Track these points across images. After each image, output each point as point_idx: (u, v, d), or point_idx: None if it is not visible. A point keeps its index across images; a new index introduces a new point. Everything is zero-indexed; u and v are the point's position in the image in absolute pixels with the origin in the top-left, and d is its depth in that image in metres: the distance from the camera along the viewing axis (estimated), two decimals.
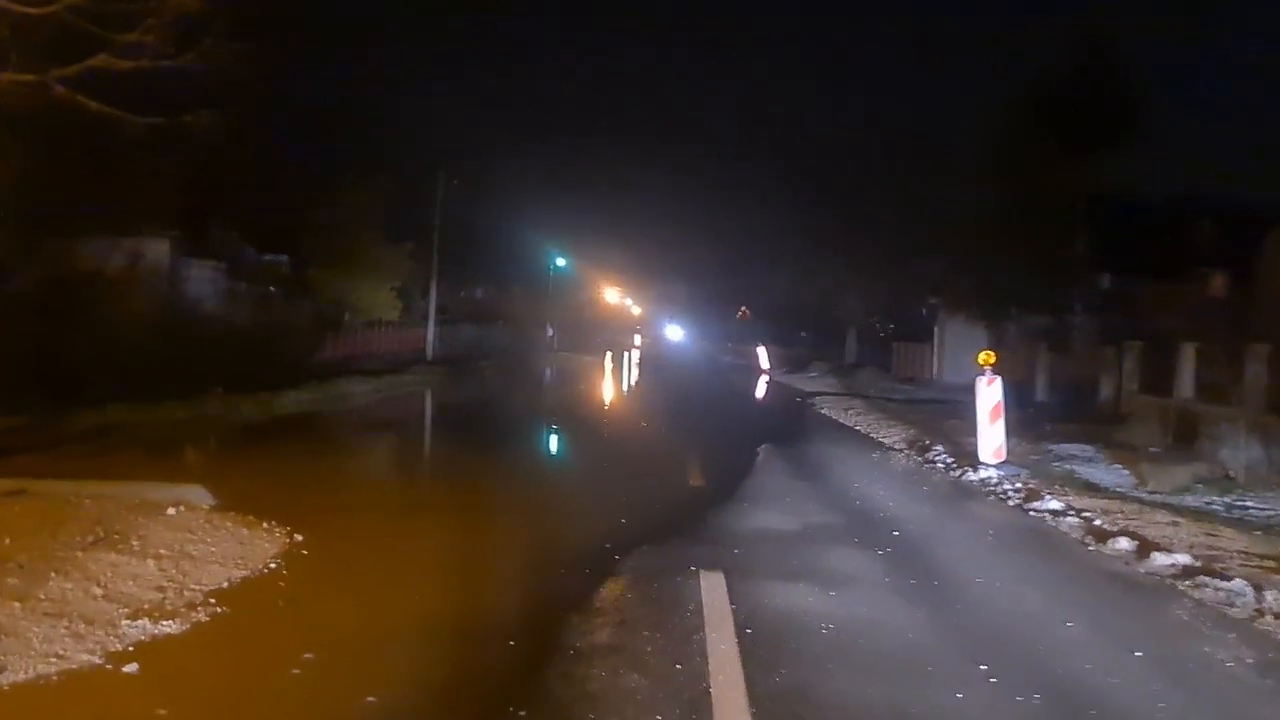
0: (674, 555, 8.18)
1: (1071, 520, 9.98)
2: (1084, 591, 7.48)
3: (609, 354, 57.88)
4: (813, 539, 9.01)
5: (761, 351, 45.31)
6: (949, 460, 14.28)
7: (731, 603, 6.69)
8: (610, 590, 7.08)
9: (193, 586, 6.51)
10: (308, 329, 27.95)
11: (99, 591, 6.15)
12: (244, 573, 6.98)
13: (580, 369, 43.05)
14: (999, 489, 12.01)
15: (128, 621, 5.70)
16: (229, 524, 8.15)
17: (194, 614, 6.00)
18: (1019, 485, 12.09)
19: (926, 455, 15.00)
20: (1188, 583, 7.55)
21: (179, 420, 15.75)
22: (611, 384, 36.43)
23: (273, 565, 7.26)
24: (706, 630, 6.08)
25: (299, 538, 8.09)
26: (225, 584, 6.70)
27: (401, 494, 11.13)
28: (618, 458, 15.19)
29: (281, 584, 6.87)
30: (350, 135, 34.47)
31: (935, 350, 34.94)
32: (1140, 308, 25.36)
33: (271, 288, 32.68)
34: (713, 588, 7.08)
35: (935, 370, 34.62)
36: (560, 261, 61.58)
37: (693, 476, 13.03)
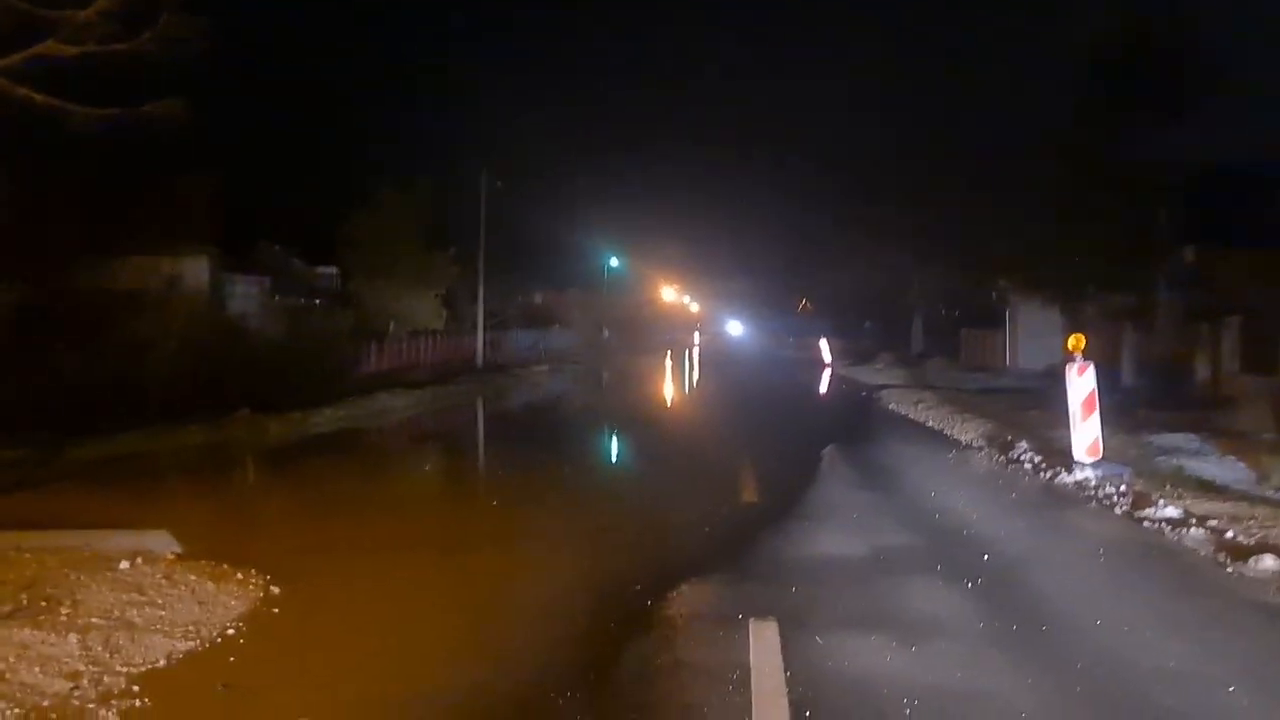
0: (719, 597, 6.82)
1: (1196, 533, 8.33)
2: (1238, 636, 5.89)
3: (668, 353, 56.44)
4: (886, 568, 7.53)
5: (824, 344, 43.55)
6: (1037, 459, 12.63)
7: (786, 668, 5.25)
8: (636, 652, 5.69)
9: (118, 669, 5.24)
10: (349, 342, 26.96)
11: None
12: (190, 645, 5.70)
13: (637, 370, 41.69)
14: (1101, 493, 10.37)
15: None
16: (192, 577, 6.90)
17: (102, 713, 4.70)
18: (1123, 488, 10.44)
19: (1010, 454, 13.37)
20: None
21: (195, 447, 14.68)
22: (667, 385, 35.01)
23: (230, 632, 5.98)
24: (754, 715, 4.65)
25: (275, 590, 6.82)
26: (162, 663, 5.42)
27: (410, 526, 9.78)
28: (666, 472, 13.74)
29: (233, 660, 5.57)
30: (392, 139, 33.57)
31: (1007, 336, 33.09)
32: (1230, 281, 23.34)
33: (316, 300, 31.86)
34: (764, 644, 5.65)
35: (1008, 357, 32.79)
36: (614, 262, 60.37)
37: (748, 489, 11.63)
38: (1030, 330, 30.91)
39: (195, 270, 25.41)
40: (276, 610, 6.48)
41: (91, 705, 4.77)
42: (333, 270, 37.16)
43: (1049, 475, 11.65)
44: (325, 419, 18.67)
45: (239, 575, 7.06)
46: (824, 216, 48.26)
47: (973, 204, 32.19)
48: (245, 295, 28.52)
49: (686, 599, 6.72)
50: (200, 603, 6.42)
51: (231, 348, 21.63)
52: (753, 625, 6.00)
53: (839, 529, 8.94)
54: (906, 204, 37.15)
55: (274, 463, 14.21)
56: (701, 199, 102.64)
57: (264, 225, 33.92)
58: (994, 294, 36.48)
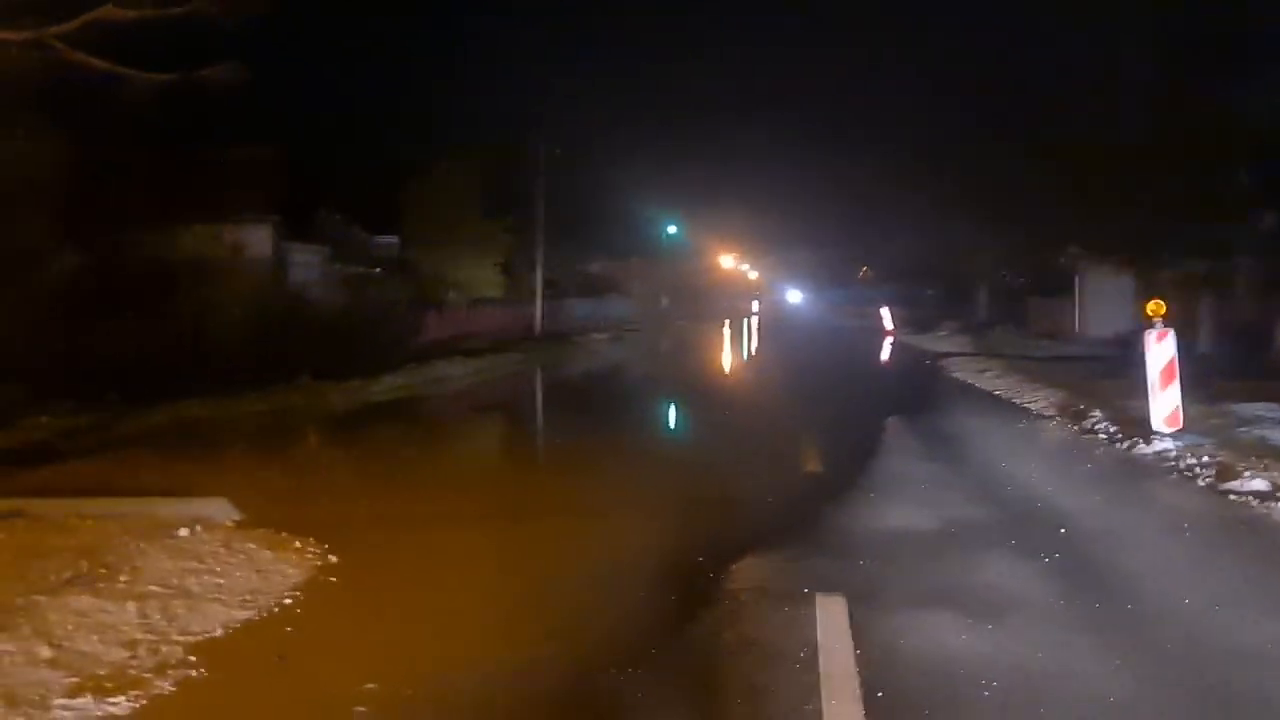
0: (784, 570, 6.61)
1: None
2: None
3: (726, 321, 56.04)
4: (958, 542, 7.26)
5: (885, 312, 42.96)
6: (1112, 429, 12.19)
7: (856, 646, 5.03)
8: (698, 629, 5.51)
9: (175, 638, 5.18)
10: (407, 310, 27.04)
11: (47, 653, 4.86)
12: (248, 614, 5.63)
13: (695, 338, 41.44)
14: (1182, 465, 9.94)
15: (63, 701, 4.38)
16: (251, 545, 6.85)
17: (158, 683, 4.64)
18: (1205, 459, 9.99)
19: (1083, 424, 12.94)
20: None
21: (257, 414, 14.76)
22: (726, 353, 34.71)
23: (288, 601, 5.90)
24: (823, 696, 4.45)
25: (333, 559, 6.75)
26: (220, 632, 5.35)
27: (468, 496, 9.66)
28: (727, 440, 13.52)
29: (290, 630, 5.49)
30: (449, 106, 33.49)
31: (1076, 303, 32.32)
32: None
33: (375, 269, 31.99)
34: (832, 622, 5.43)
35: (1076, 324, 32.03)
36: (672, 229, 59.92)
37: (811, 459, 11.33)
38: (1100, 297, 30.21)
39: (257, 238, 25.47)
40: (334, 579, 6.40)
41: (148, 675, 4.70)
42: (392, 239, 37.20)
43: (1126, 446, 11.21)
44: (384, 387, 18.73)
45: (297, 544, 7.00)
46: (886, 183, 47.40)
47: (1040, 165, 31.36)
48: (306, 264, 28.54)
49: (750, 573, 6.52)
50: (258, 571, 6.37)
51: (293, 316, 21.80)
52: (820, 601, 5.78)
53: (907, 502, 8.66)
54: (971, 168, 36.32)
55: (333, 431, 14.24)
56: (762, 166, 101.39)
57: (325, 193, 33.96)
58: (1062, 260, 35.62)
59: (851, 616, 5.50)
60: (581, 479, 10.67)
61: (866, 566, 6.62)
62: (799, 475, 10.48)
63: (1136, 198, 23.80)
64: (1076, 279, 32.36)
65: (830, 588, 6.03)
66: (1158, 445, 10.82)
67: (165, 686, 4.62)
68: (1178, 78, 22.06)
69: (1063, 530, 7.48)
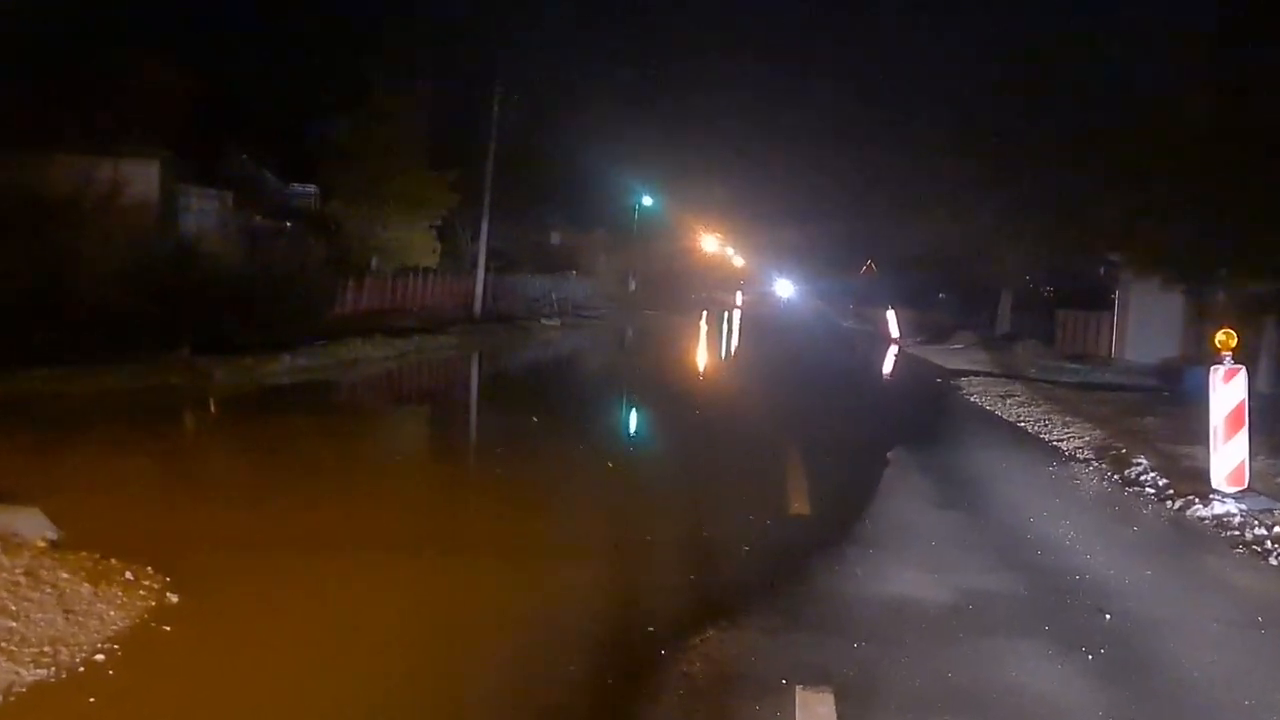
0: (756, 650, 6.08)
1: None
2: None
3: (704, 314, 55.61)
4: (976, 623, 6.73)
5: (891, 316, 42.64)
6: (1161, 482, 11.71)
7: None
8: None
9: None
10: (322, 275, 26.34)
11: None
12: (40, 675, 4.96)
13: (666, 332, 40.92)
14: (1248, 534, 9.46)
15: None
16: (65, 575, 6.18)
17: None
18: (1278, 529, 9.52)
19: (1125, 472, 12.45)
20: None
21: (119, 392, 14.10)
22: (701, 354, 34.20)
23: (100, 658, 5.25)
24: None
25: (172, 599, 6.13)
26: None
27: (367, 517, 9.03)
28: (695, 466, 12.87)
29: (93, 701, 4.81)
30: (389, 31, 32.57)
31: (1115, 321, 32.05)
32: None
33: (288, 223, 31.23)
34: None
35: (1114, 346, 31.80)
36: (647, 201, 59.27)
37: (797, 499, 10.76)
38: (1144, 316, 29.92)
39: (143, 176, 24.68)
40: (169, 628, 5.78)
41: None
42: (310, 189, 36.45)
43: (1178, 505, 10.72)
44: (284, 368, 18.21)
45: (128, 574, 6.40)
46: (897, 162, 47.19)
47: (1078, 155, 31.14)
48: (202, 211, 27.90)
49: (714, 651, 5.97)
50: (68, 612, 5.70)
51: (179, 273, 21.01)
52: (801, 698, 5.26)
53: (913, 562, 8.13)
54: (998, 152, 36.13)
55: (210, 420, 13.65)
56: (753, 133, 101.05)
57: (231, 128, 33.18)
58: (1102, 270, 35.45)
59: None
60: (508, 505, 10.06)
61: (862, 651, 6.09)
62: (781, 519, 9.88)
63: (1197, 199, 23.46)
64: (1116, 293, 32.11)
65: (815, 678, 5.53)
66: (1218, 508, 10.33)
67: None
68: (1256, 60, 21.74)
69: (1106, 615, 7.00)
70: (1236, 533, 9.60)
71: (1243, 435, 10.89)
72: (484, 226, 33.54)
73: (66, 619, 5.62)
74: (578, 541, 8.71)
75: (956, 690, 5.52)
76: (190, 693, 5.10)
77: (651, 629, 6.29)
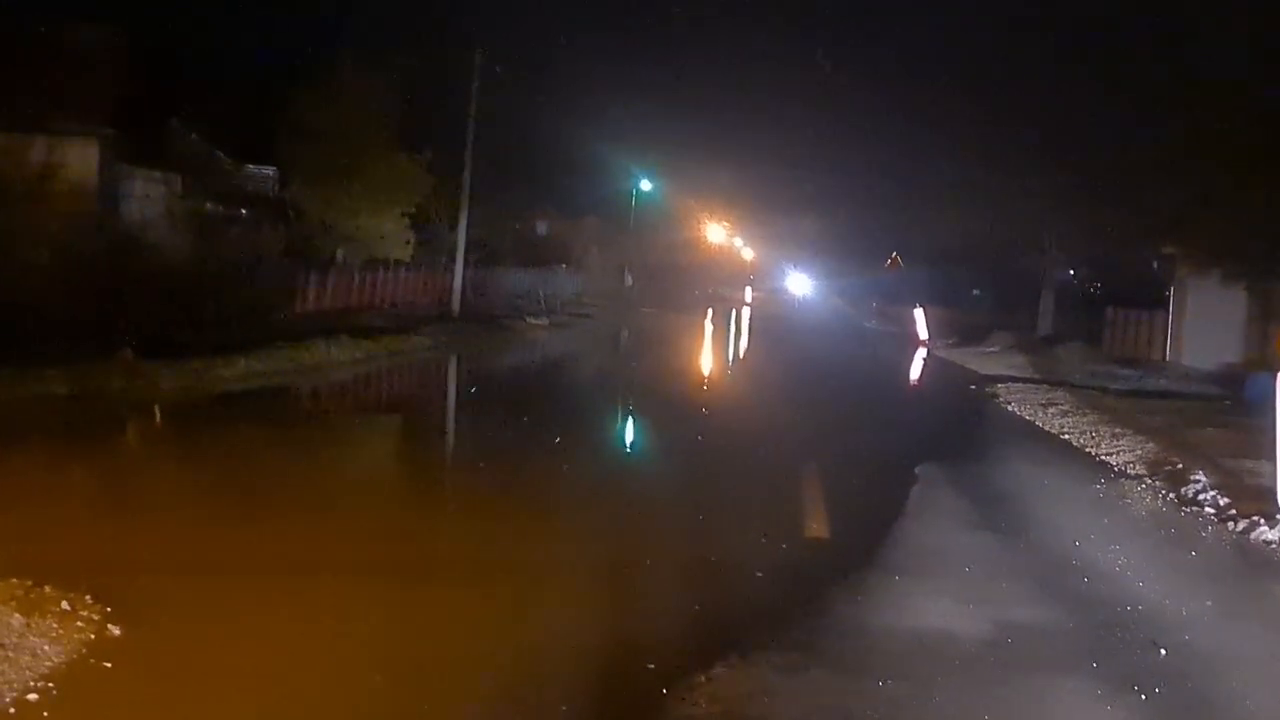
0: (770, 690, 6.15)
1: None
2: None
3: (709, 312, 55.73)
4: (1016, 659, 6.82)
5: (919, 315, 42.80)
6: (1222, 501, 11.78)
7: None
8: None
9: None
10: (282, 268, 26.36)
11: None
12: None
13: (666, 333, 41.03)
14: None
15: None
16: None
17: None
18: None
19: (1182, 490, 12.52)
20: None
21: (50, 400, 14.11)
22: (706, 358, 34.31)
23: (33, 697, 5.29)
24: None
25: (114, 632, 6.17)
26: None
27: (331, 540, 9.04)
28: (702, 485, 12.91)
29: None
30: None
31: (1170, 320, 32.19)
32: None
33: (243, 210, 31.23)
34: None
35: (1168, 349, 31.99)
36: (646, 186, 59.32)
37: (814, 520, 10.86)
38: (1203, 315, 30.04)
39: (80, 157, 24.67)
40: (109, 664, 5.83)
41: None
42: (269, 171, 36.43)
43: (1241, 527, 10.80)
44: (239, 372, 18.28)
45: (64, 604, 6.45)
46: (927, 141, 47.20)
47: (1130, 136, 31.24)
48: (147, 196, 27.82)
49: (722, 690, 6.05)
50: None
51: (122, 266, 21.04)
52: None
53: (944, 590, 8.21)
54: (1042, 132, 36.18)
55: (155, 431, 13.70)
56: (765, 109, 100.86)
57: (180, 103, 33.19)
58: (1155, 263, 35.57)
59: None
60: (489, 526, 10.12)
61: (887, 690, 6.19)
62: (797, 542, 10.00)
63: (1264, 184, 23.56)
64: (1171, 289, 32.25)
65: None
66: None
67: None
68: None
69: (1162, 651, 7.08)
70: None
71: None
72: (463, 214, 33.48)
73: None
74: (569, 567, 8.75)
75: None
76: None
77: (652, 665, 6.35)
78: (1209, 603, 8.36)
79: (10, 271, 18.17)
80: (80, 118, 25.33)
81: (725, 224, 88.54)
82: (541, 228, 53.37)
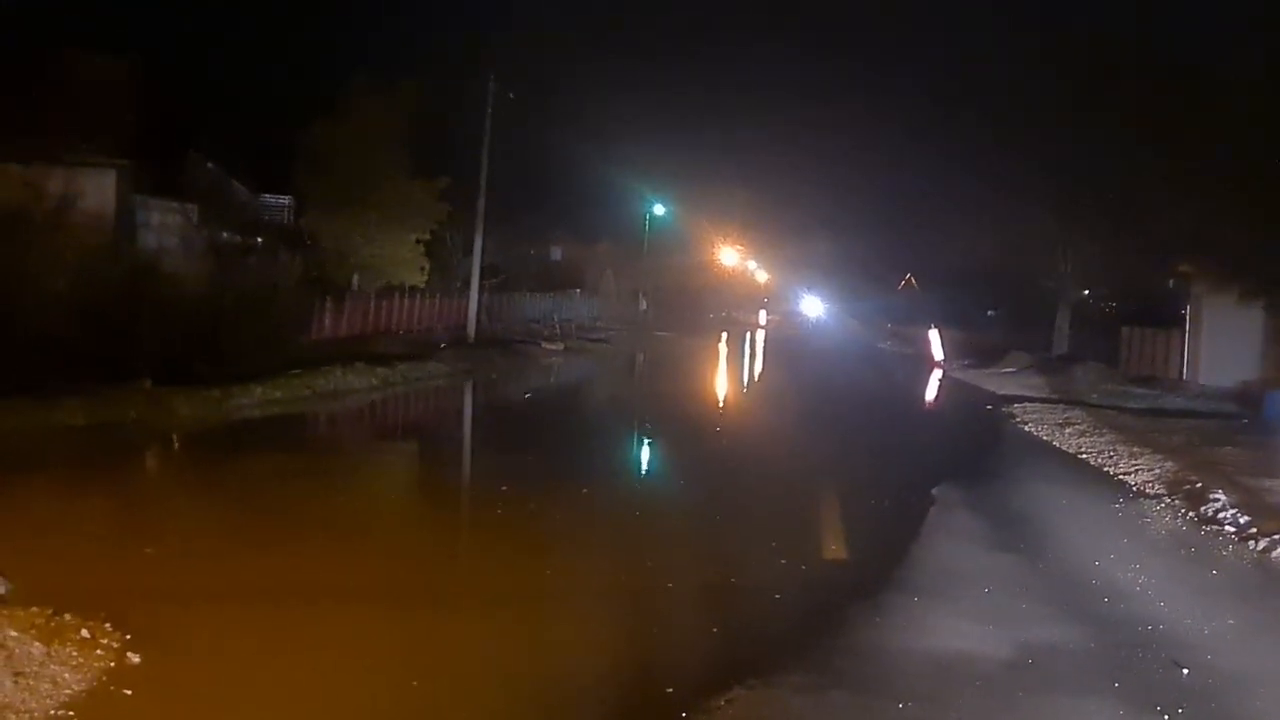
0: (789, 713, 6.18)
1: None
2: None
3: (724, 336, 55.70)
4: (1038, 680, 6.78)
5: (934, 336, 42.70)
6: (1242, 520, 11.72)
7: None
8: None
9: None
10: (298, 296, 26.39)
11: None
12: None
13: (681, 357, 41.02)
14: None
15: None
16: (14, 634, 6.24)
17: None
18: None
19: (1201, 509, 12.47)
20: None
21: (70, 430, 14.14)
22: (722, 381, 34.27)
23: None
24: None
25: (134, 660, 6.17)
26: None
27: (351, 568, 9.04)
28: (719, 509, 12.89)
29: None
30: (370, 25, 32.83)
31: (1187, 340, 32.03)
32: None
33: (259, 239, 31.32)
34: None
35: (1185, 368, 31.80)
36: (659, 210, 59.38)
37: (832, 542, 10.81)
38: (1219, 334, 29.93)
39: (97, 188, 24.77)
40: (130, 692, 5.81)
41: None
42: (284, 200, 36.61)
43: (1262, 546, 10.76)
44: (256, 399, 18.26)
45: (84, 632, 6.45)
46: (940, 165, 47.23)
47: (1145, 156, 31.15)
48: (164, 226, 27.90)
49: (741, 713, 6.05)
50: (17, 675, 5.74)
51: (138, 295, 21.10)
52: None
53: (964, 612, 8.17)
54: (1057, 152, 36.15)
55: (173, 460, 13.70)
56: (778, 134, 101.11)
57: (197, 135, 33.33)
58: (1171, 282, 35.43)
59: None
60: (508, 549, 10.09)
61: (908, 712, 6.16)
62: (815, 564, 9.96)
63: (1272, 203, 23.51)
64: (1188, 308, 32.11)
65: None
66: None
67: None
68: None
69: (1184, 670, 7.05)
70: None
71: None
72: (478, 240, 33.55)
73: (15, 682, 5.65)
74: (588, 589, 8.74)
75: None
76: None
77: (671, 689, 6.31)
78: (1231, 621, 8.30)
79: (28, 301, 18.22)
80: (98, 148, 25.47)
81: (739, 247, 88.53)
82: (556, 253, 53.56)
